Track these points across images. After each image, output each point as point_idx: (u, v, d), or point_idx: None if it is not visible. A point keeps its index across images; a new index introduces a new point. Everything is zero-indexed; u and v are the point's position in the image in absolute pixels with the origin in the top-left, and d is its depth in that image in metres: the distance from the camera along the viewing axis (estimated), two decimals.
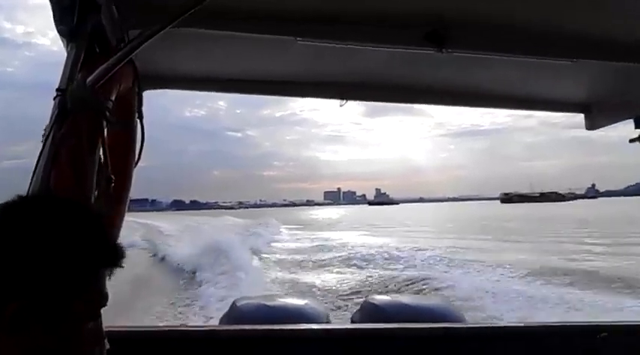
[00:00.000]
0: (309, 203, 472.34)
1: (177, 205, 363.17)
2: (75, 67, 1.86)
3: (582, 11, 2.39)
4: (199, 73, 3.09)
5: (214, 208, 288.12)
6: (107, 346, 1.32)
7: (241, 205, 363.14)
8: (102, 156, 1.86)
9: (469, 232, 40.54)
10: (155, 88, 2.94)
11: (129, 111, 2.36)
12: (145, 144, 2.41)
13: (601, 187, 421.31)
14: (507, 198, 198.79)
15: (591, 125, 3.71)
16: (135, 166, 2.42)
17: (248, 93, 3.29)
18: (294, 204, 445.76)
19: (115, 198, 2.03)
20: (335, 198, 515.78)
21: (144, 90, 2.50)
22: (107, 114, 1.88)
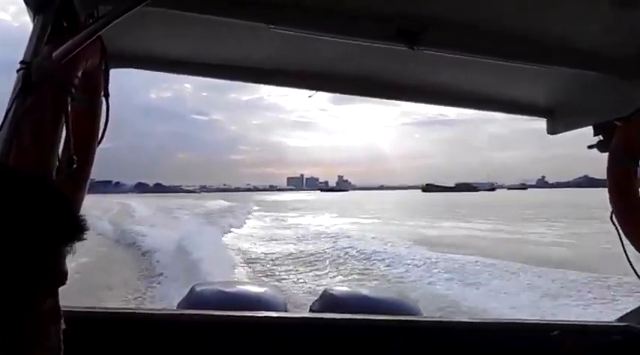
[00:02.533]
0: (272, 188, 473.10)
1: (141, 188, 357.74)
2: (41, 41, 1.78)
3: (549, 18, 2.41)
4: (169, 55, 2.99)
5: (178, 192, 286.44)
6: (63, 326, 1.24)
7: (203, 189, 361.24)
8: (65, 133, 1.78)
9: (376, 211, 60.53)
10: (122, 67, 2.84)
11: (94, 89, 2.27)
12: (109, 123, 2.33)
13: (551, 179, 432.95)
14: (427, 188, 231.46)
15: (553, 130, 3.75)
16: (98, 145, 2.34)
17: (217, 77, 3.20)
18: (257, 189, 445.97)
19: (76, 177, 1.94)
20: (298, 183, 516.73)
21: (111, 69, 2.41)
22: (72, 90, 1.80)
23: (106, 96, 2.34)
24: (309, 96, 3.21)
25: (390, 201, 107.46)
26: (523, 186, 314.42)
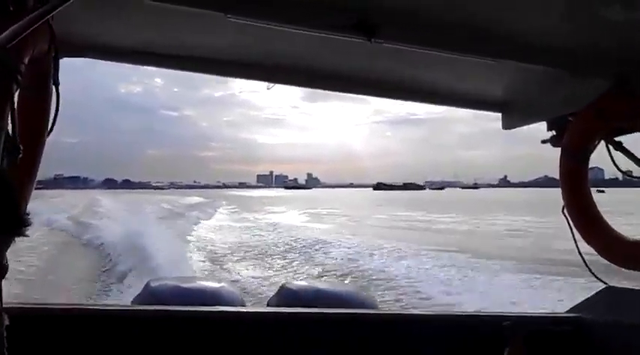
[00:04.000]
0: (242, 185, 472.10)
1: (109, 184, 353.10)
2: None
3: (503, 13, 2.43)
4: (122, 44, 2.89)
5: (147, 188, 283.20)
6: (6, 321, 1.18)
7: (172, 186, 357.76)
8: (10, 123, 1.70)
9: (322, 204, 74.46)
10: (74, 56, 2.74)
11: (43, 77, 2.18)
12: (59, 113, 2.24)
13: (513, 178, 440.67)
14: (378, 187, 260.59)
15: (507, 125, 3.79)
16: (47, 136, 2.25)
17: (173, 68, 3.12)
18: (226, 186, 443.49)
19: (22, 167, 1.85)
20: (267, 181, 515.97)
21: (62, 57, 2.31)
22: (18, 77, 1.71)
23: (56, 85, 2.24)
24: (268, 88, 3.16)
25: (343, 197, 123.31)
26: (475, 186, 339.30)
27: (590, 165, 3.13)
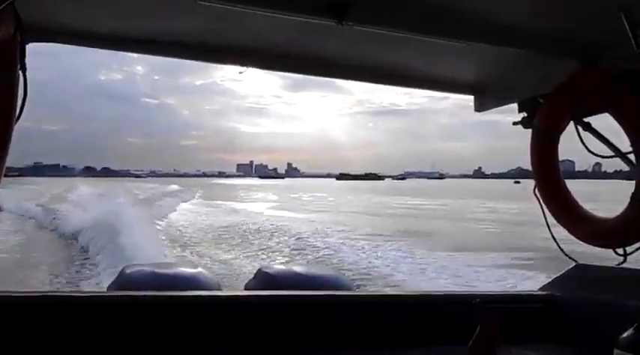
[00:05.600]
0: (221, 175, 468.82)
1: (89, 172, 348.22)
2: None
3: None
4: (92, 29, 2.81)
5: (126, 176, 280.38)
6: None
7: (152, 174, 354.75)
8: None
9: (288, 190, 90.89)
10: (41, 41, 2.67)
11: (9, 63, 2.14)
12: (27, 99, 2.22)
13: (487, 170, 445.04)
14: (340, 177, 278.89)
15: (479, 107, 3.82)
16: (15, 123, 2.20)
17: (143, 53, 3.06)
18: (205, 175, 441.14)
19: None
20: (247, 170, 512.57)
21: (28, 42, 2.28)
22: None
23: (23, 70, 2.20)
24: (240, 73, 3.12)
25: (310, 185, 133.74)
26: (441, 177, 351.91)
27: (560, 148, 3.15)
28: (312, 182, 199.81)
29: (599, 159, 3.32)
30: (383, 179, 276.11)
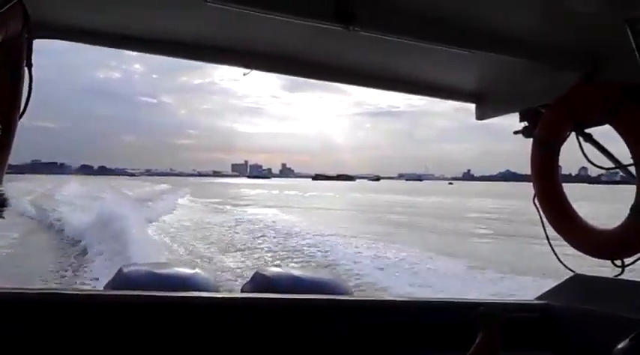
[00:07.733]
0: (216, 174, 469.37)
1: (85, 170, 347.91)
2: None
3: (480, 5, 2.43)
4: (98, 27, 2.79)
5: (122, 175, 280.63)
6: None
7: (147, 173, 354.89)
8: None
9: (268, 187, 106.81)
10: (48, 38, 2.66)
11: (16, 59, 2.11)
12: (32, 96, 2.18)
13: (477, 172, 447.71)
14: (316, 177, 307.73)
15: (481, 115, 3.80)
16: (20, 118, 2.18)
17: (147, 52, 3.03)
18: (200, 174, 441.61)
19: None
20: (242, 170, 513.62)
21: (35, 39, 2.24)
22: None
23: (29, 66, 2.18)
24: (244, 74, 3.11)
25: (292, 185, 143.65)
26: (419, 179, 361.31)
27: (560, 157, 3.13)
28: (295, 182, 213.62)
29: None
30: (354, 179, 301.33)
